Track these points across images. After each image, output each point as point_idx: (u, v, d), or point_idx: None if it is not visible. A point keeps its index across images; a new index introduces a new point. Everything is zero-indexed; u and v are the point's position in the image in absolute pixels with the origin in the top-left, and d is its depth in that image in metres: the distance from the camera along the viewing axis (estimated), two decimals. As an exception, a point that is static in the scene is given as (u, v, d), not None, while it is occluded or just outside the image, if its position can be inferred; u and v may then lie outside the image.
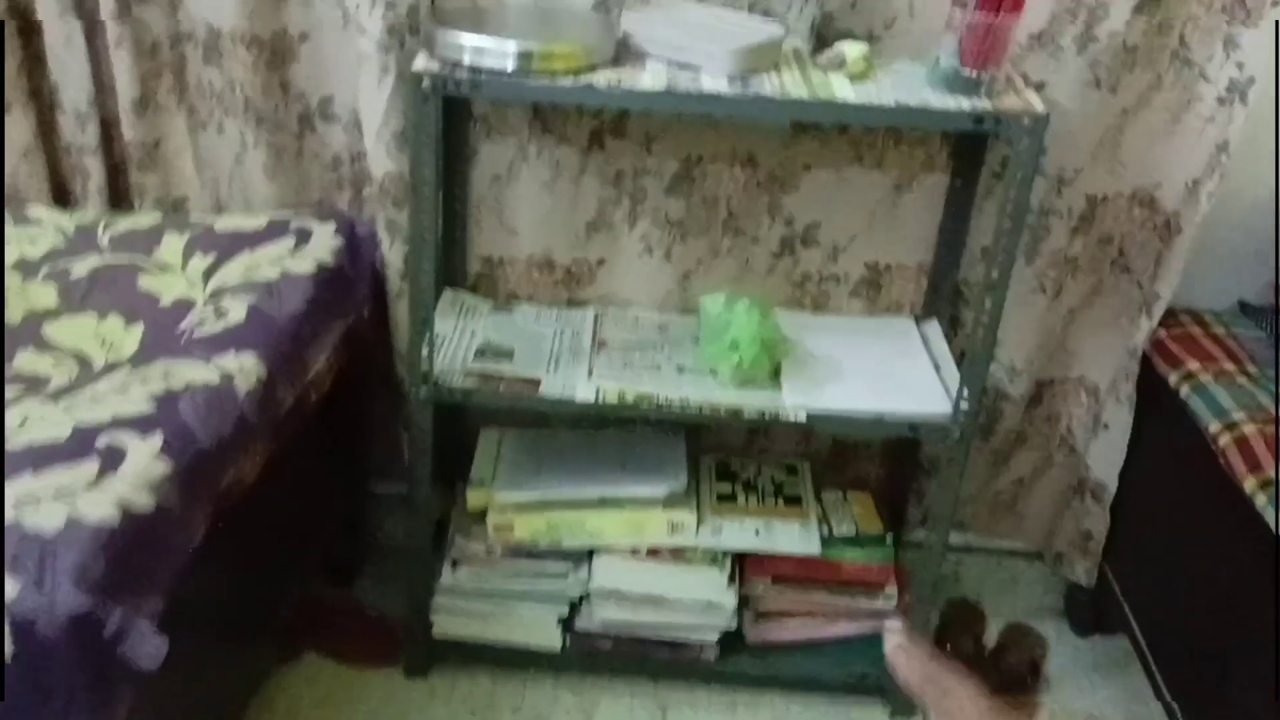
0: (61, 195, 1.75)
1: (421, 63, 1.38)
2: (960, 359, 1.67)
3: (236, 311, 1.38)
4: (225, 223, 1.64)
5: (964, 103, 1.36)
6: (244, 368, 1.26)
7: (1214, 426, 1.42)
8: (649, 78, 1.39)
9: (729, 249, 1.75)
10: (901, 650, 0.60)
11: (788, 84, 1.40)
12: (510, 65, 1.35)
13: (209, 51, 1.65)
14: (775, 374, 1.60)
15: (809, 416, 1.53)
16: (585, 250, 1.77)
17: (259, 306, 1.40)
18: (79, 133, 1.69)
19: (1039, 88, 1.55)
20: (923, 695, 0.59)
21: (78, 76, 1.65)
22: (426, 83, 1.35)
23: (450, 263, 1.76)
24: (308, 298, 1.44)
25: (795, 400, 1.55)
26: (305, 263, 1.52)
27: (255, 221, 1.63)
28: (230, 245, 1.57)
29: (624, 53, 1.45)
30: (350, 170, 1.74)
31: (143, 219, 1.66)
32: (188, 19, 1.65)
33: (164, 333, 1.37)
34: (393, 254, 1.67)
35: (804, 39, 1.53)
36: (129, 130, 1.68)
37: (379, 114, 1.56)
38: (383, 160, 1.58)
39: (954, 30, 1.36)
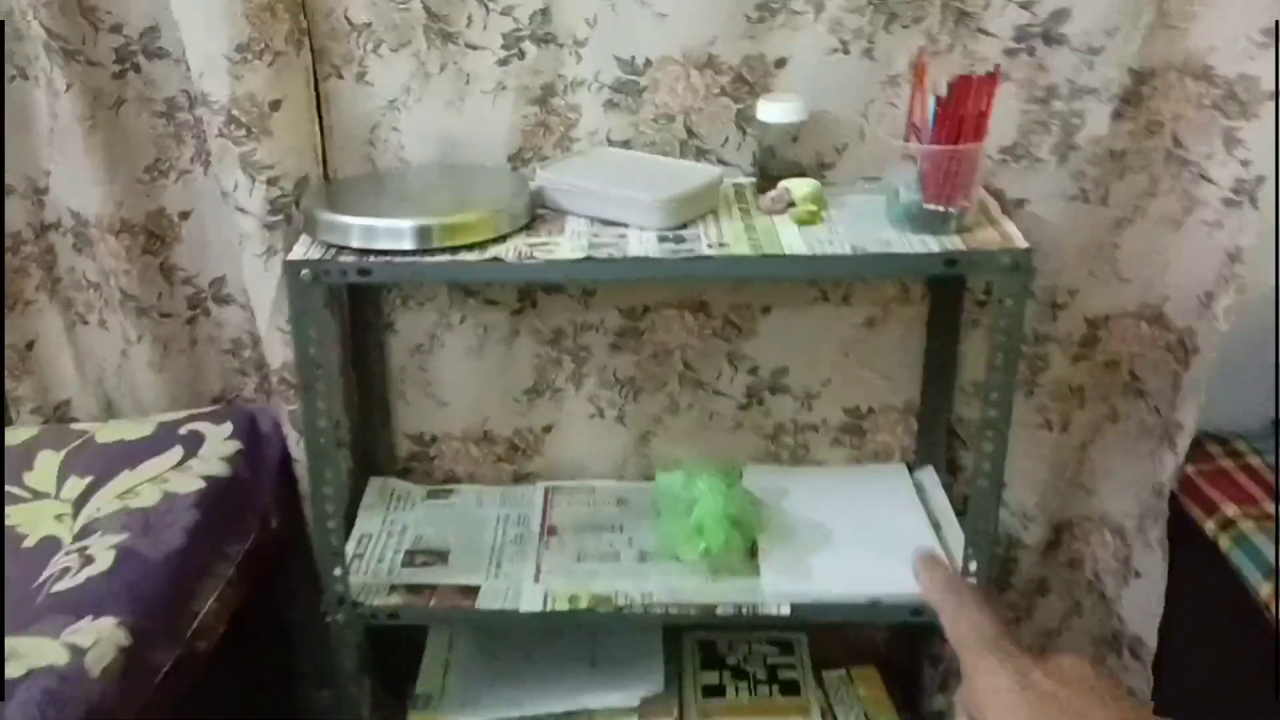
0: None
1: (300, 250, 1.23)
2: (963, 507, 1.51)
3: (104, 556, 1.22)
4: (109, 432, 1.48)
5: (931, 243, 1.21)
6: (101, 638, 1.09)
7: (1264, 590, 1.25)
8: (567, 243, 1.24)
9: (689, 404, 1.59)
10: (930, 560, 0.59)
11: (728, 235, 1.25)
12: (407, 244, 1.20)
13: (79, 240, 1.51)
14: (751, 552, 1.43)
15: (794, 607, 1.36)
16: (528, 418, 1.61)
17: (132, 548, 1.23)
18: (-60, 342, 1.54)
19: (1018, 205, 1.40)
20: (941, 605, 0.55)
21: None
22: (306, 273, 1.20)
23: (374, 447, 1.60)
24: (191, 527, 1.28)
25: (776, 588, 1.38)
26: (192, 480, 1.36)
27: (141, 429, 1.48)
28: (111, 462, 1.41)
29: (540, 214, 1.30)
30: (254, 354, 1.59)
31: (17, 433, 1.51)
32: (53, 208, 1.51)
33: (22, 587, 1.21)
34: (301, 449, 1.51)
35: (745, 174, 1.39)
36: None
37: (269, 299, 1.41)
38: (279, 349, 1.43)
39: (912, 161, 1.22)
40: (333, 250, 1.23)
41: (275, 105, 1.33)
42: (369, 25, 1.36)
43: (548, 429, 1.62)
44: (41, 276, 1.55)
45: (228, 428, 1.46)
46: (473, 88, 1.40)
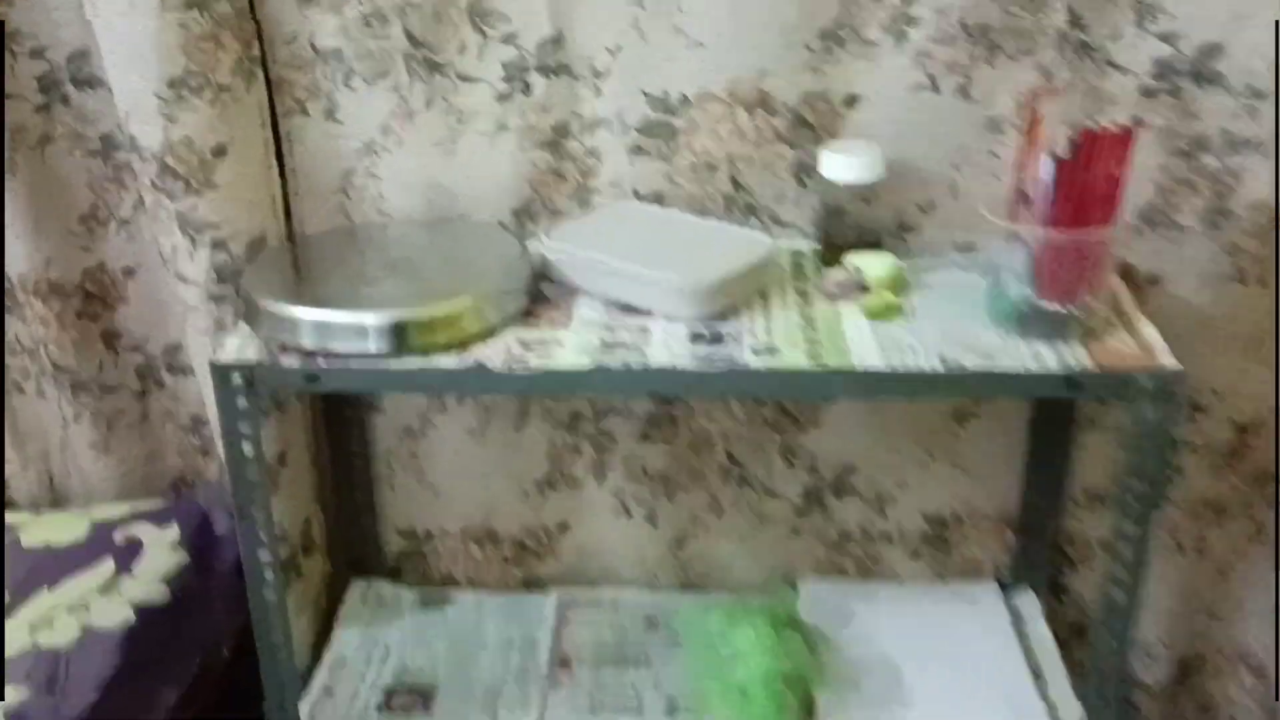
0: None
1: (233, 346, 1.00)
2: (1068, 639, 1.26)
3: (-4, 723, 1.01)
4: (37, 531, 1.28)
5: (1047, 354, 0.95)
6: None
7: None
8: (574, 339, 1.00)
9: (733, 504, 1.35)
10: None
11: (779, 333, 1.00)
12: (370, 345, 0.97)
13: (9, 299, 1.30)
14: (807, 708, 1.19)
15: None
16: (540, 514, 1.38)
17: (29, 708, 1.02)
18: None
19: (1152, 283, 1.13)
20: None
21: None
22: (238, 379, 0.97)
23: (357, 544, 1.38)
24: (110, 679, 1.08)
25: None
26: (120, 608, 1.15)
27: (75, 529, 1.28)
28: (31, 574, 1.21)
29: (544, 293, 1.07)
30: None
31: (-63, 528, 1.31)
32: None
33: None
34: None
35: (804, 235, 1.14)
36: (-87, 410, 1.33)
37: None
38: (233, 444, 1.20)
39: (1023, 245, 0.96)
40: (275, 346, 1.00)
41: (219, 151, 1.11)
42: (338, 52, 1.13)
43: (563, 527, 1.39)
44: (-34, 339, 1.34)
45: (173, 531, 1.25)
46: (467, 128, 1.16)
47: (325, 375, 0.98)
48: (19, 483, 1.42)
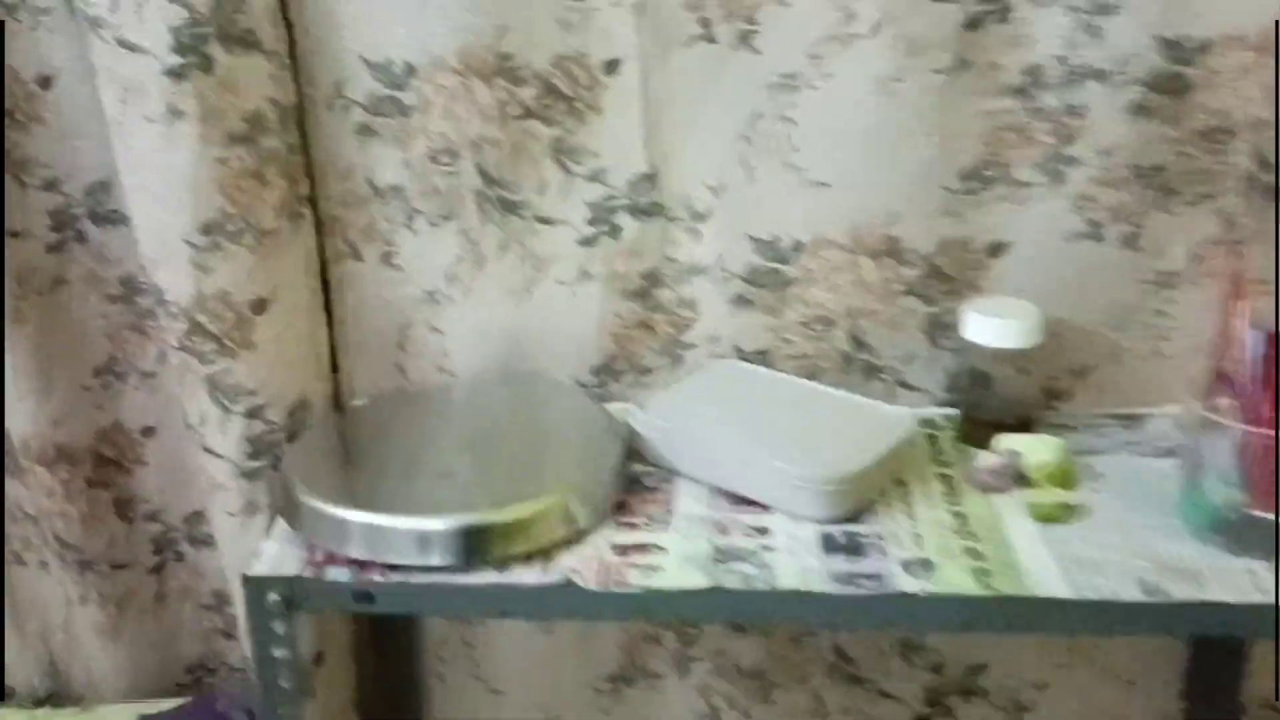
0: None
1: (270, 552, 0.84)
2: None
3: None
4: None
5: (1264, 574, 0.78)
6: None
7: None
8: (678, 545, 0.84)
9: (842, 709, 1.18)
10: None
11: (930, 540, 0.85)
12: (437, 558, 0.81)
13: (10, 461, 1.14)
14: None
15: None
16: (613, 714, 1.21)
17: None
18: None
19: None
20: None
21: None
22: (274, 597, 0.81)
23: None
24: None
25: None
26: None
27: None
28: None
29: (638, 474, 0.90)
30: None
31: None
32: (-24, 415, 1.15)
33: None
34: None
35: (935, 401, 0.98)
36: (-105, 586, 1.17)
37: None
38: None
39: (1227, 437, 0.79)
40: (319, 555, 0.83)
41: (259, 305, 0.96)
42: (399, 190, 0.99)
43: (639, 729, 1.21)
44: (-40, 503, 1.18)
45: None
46: (545, 275, 1.01)
47: (381, 594, 0.81)
48: (16, 669, 1.25)
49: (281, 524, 0.88)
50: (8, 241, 1.04)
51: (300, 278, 1.01)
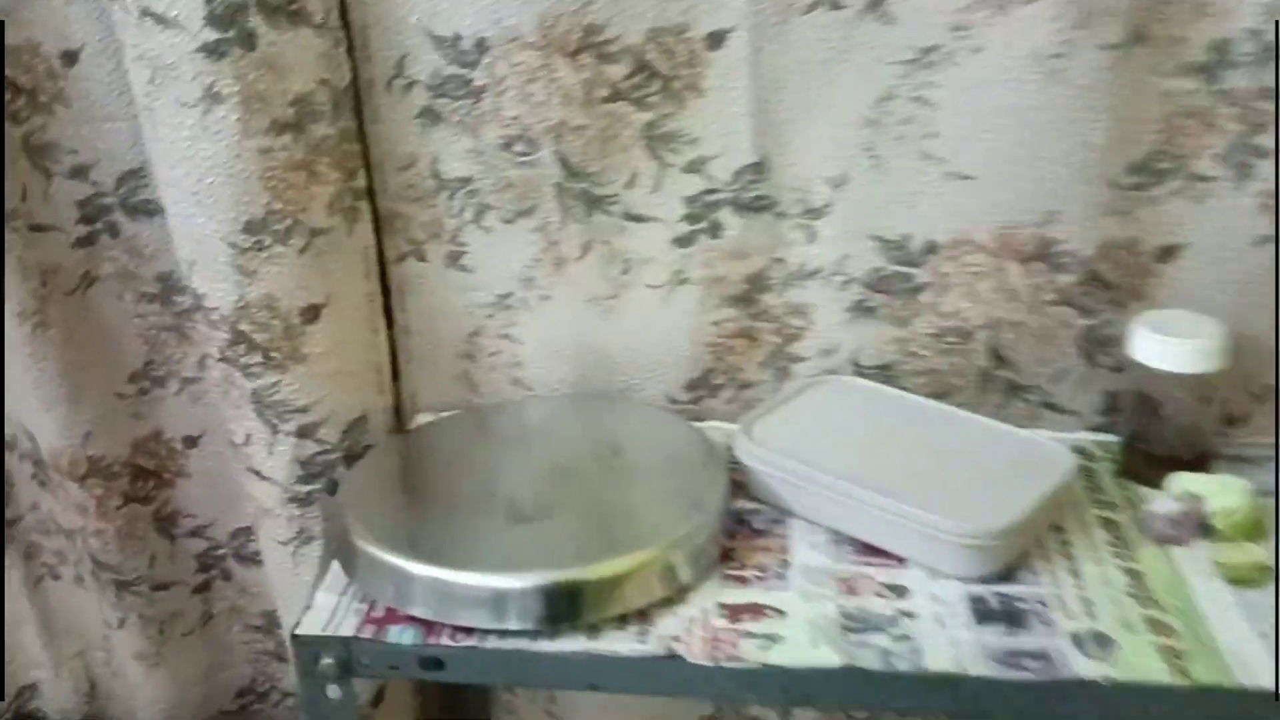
0: None
1: (322, 611, 0.73)
2: None
3: None
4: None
5: None
6: None
7: None
8: (799, 613, 0.72)
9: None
10: None
11: (1102, 607, 0.70)
12: (515, 621, 0.69)
13: (40, 470, 1.04)
14: None
15: None
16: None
17: None
18: None
19: None
20: None
21: None
22: (328, 660, 0.69)
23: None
24: None
25: None
26: None
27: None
28: None
29: (745, 519, 0.78)
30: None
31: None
32: (7, 419, 1.04)
33: None
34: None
35: (1088, 428, 0.85)
36: (-79, 604, 1.07)
37: (297, 609, 0.91)
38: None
39: None
40: (379, 610, 0.72)
41: (311, 313, 0.84)
42: (468, 183, 0.86)
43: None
44: (-11, 516, 1.09)
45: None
46: (634, 278, 0.89)
47: (452, 660, 0.69)
48: (52, 691, 1.16)
49: (336, 568, 0.77)
50: (32, 237, 0.92)
51: (356, 281, 0.89)
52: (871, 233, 0.86)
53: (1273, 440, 0.85)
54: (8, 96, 0.88)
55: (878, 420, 0.84)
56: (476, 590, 0.70)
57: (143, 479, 1.04)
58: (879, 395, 0.87)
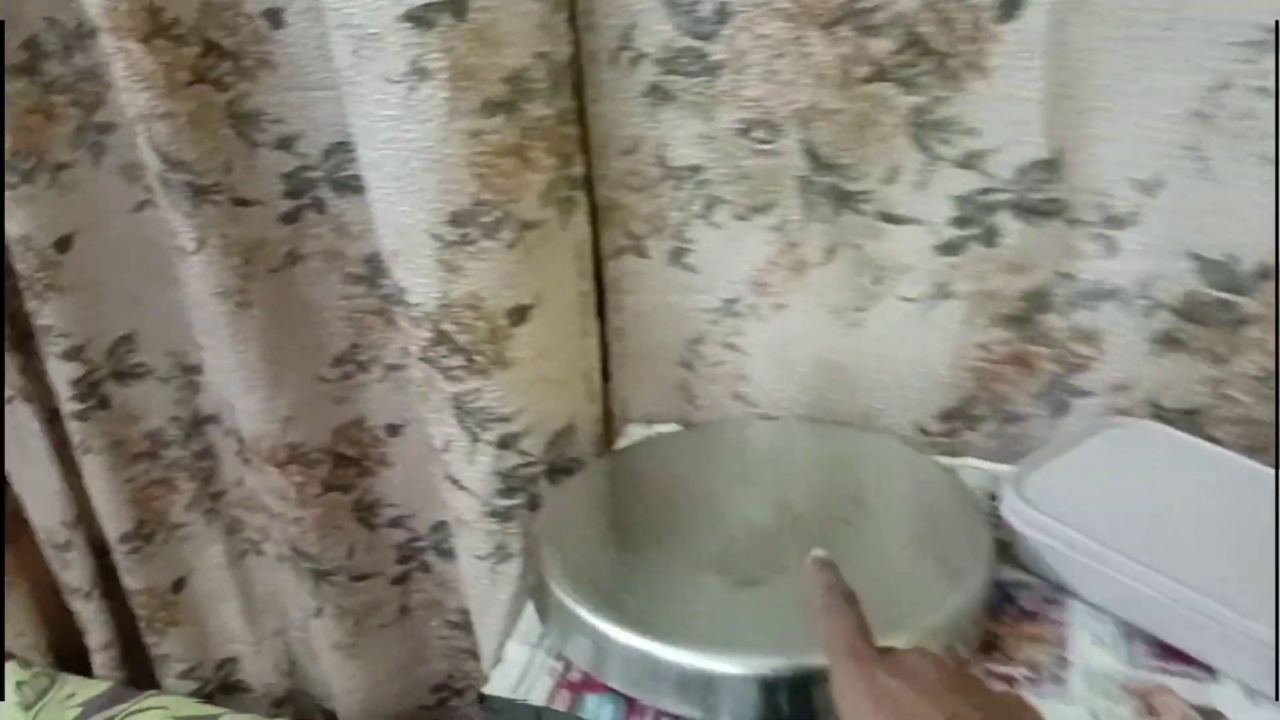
0: (69, 650, 1.18)
1: (515, 666, 0.64)
2: None
3: None
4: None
5: None
6: None
7: None
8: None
9: None
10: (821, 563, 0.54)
11: None
12: (729, 712, 0.59)
13: (244, 448, 1.00)
14: None
15: None
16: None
17: None
18: (64, 570, 1.10)
19: None
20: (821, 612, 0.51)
21: (45, 492, 1.05)
22: (518, 738, 0.61)
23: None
24: None
25: None
26: None
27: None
28: None
29: (1011, 595, 0.65)
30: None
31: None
32: (210, 394, 1.01)
33: None
34: None
35: None
36: (129, 575, 1.06)
37: (497, 627, 0.85)
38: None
39: None
40: (575, 673, 0.63)
41: (519, 315, 0.75)
42: (698, 172, 0.75)
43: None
44: (194, 491, 1.07)
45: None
46: (887, 288, 0.75)
47: (659, 750, 0.59)
48: (253, 665, 1.13)
49: (531, 612, 0.68)
50: (236, 211, 0.86)
51: (569, 279, 0.79)
52: (1189, 249, 0.70)
53: None
54: (210, 61, 0.81)
55: (1184, 479, 0.69)
56: (685, 671, 0.60)
57: (343, 466, 0.99)
58: (1184, 447, 0.72)
